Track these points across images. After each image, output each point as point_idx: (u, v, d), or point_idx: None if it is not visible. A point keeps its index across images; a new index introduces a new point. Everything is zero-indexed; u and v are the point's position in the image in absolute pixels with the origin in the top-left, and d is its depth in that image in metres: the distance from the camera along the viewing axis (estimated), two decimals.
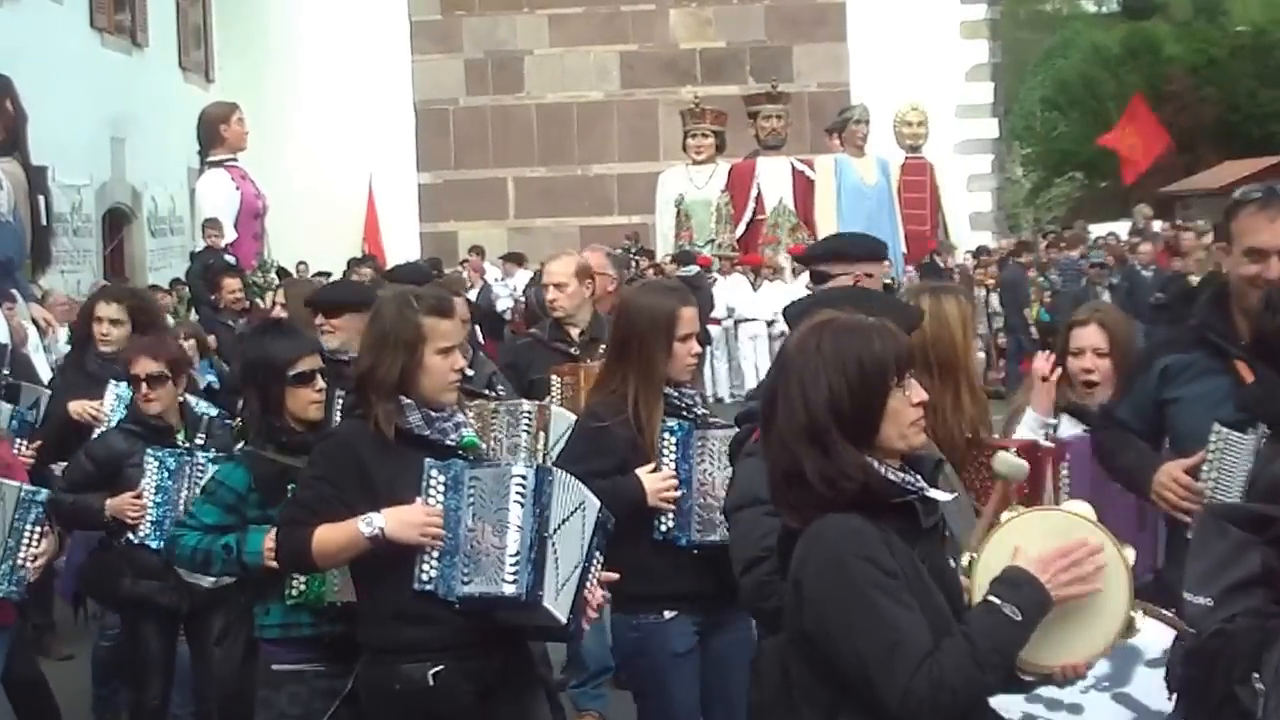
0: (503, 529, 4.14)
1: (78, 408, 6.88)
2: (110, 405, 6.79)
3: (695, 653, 5.03)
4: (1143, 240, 22.15)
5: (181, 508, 5.80)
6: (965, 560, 3.12)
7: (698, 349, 5.11)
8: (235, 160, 15.30)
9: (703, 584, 4.88)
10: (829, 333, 3.08)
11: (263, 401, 4.98)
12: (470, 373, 6.02)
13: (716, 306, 20.32)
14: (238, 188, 15.10)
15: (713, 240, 21.72)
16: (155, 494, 6.02)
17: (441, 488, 4.26)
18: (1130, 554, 3.08)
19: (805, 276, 20.98)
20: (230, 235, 14.96)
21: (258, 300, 14.29)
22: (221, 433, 6.29)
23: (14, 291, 10.62)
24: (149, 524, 6.02)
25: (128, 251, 21.86)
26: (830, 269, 5.03)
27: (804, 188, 22.19)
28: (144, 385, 6.13)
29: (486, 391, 6.46)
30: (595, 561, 4.38)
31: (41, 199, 14.46)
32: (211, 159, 15.28)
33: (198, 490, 5.65)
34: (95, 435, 6.55)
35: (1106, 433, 4.81)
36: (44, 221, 14.49)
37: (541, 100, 27.58)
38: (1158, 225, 26.66)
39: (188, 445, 6.15)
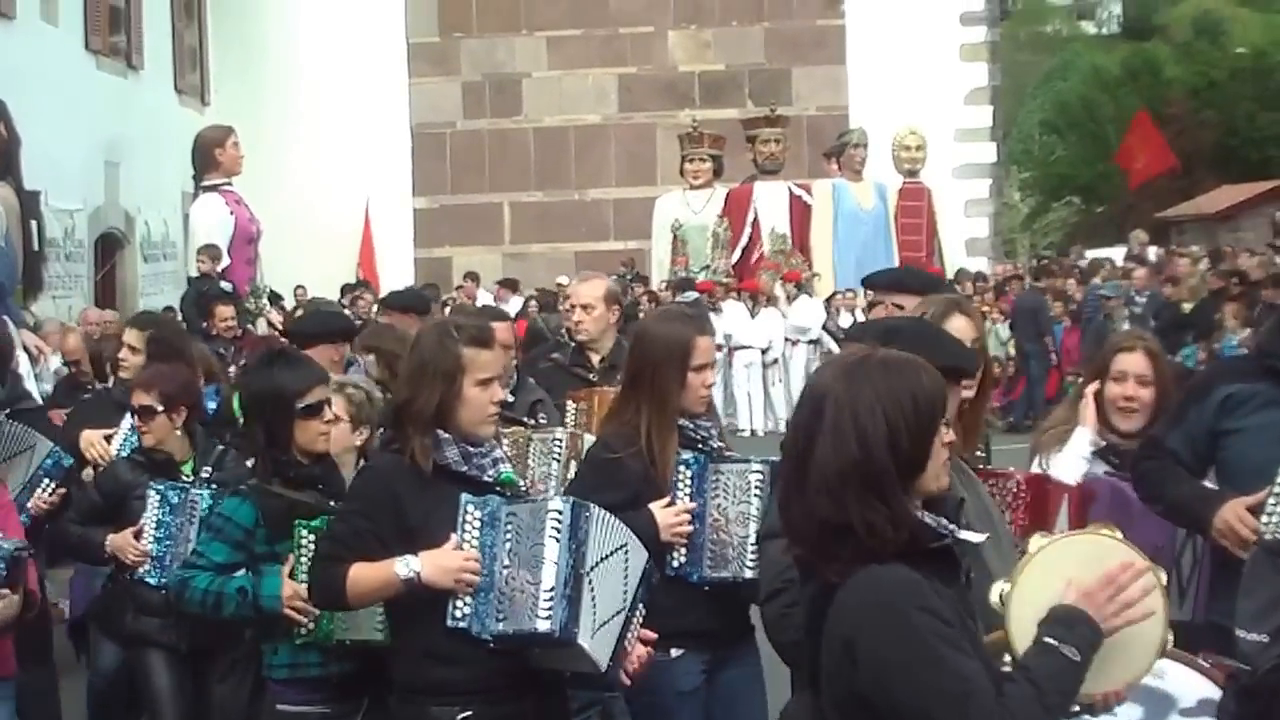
0: (537, 564, 4.06)
1: (87, 438, 6.77)
2: (123, 435, 6.67)
3: (701, 690, 4.91)
4: (1136, 266, 22.07)
5: (185, 543, 5.65)
6: (996, 594, 3.06)
7: (713, 379, 5.02)
8: (230, 185, 15.22)
9: (712, 621, 4.80)
10: (879, 367, 2.93)
11: (269, 434, 4.88)
12: (511, 399, 5.96)
13: (715, 334, 20.18)
14: (232, 212, 15.03)
15: (708, 266, 21.64)
16: (156, 529, 5.85)
17: (478, 524, 4.17)
18: (1162, 574, 3.05)
19: (802, 301, 21.19)
20: (224, 260, 14.88)
21: (250, 326, 14.22)
22: (234, 466, 6.10)
23: (4, 318, 10.51)
24: (150, 560, 5.86)
25: (120, 277, 21.69)
26: (889, 298, 4.90)
27: (801, 213, 22.17)
28: (136, 417, 6.07)
29: (525, 419, 6.29)
30: (638, 612, 4.29)
31: (34, 224, 14.40)
32: (206, 183, 15.19)
33: (194, 526, 5.59)
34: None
35: (1152, 462, 4.67)
36: (36, 247, 14.41)
37: (539, 123, 27.51)
38: (1153, 251, 26.60)
39: (190, 479, 6.00)
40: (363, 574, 4.16)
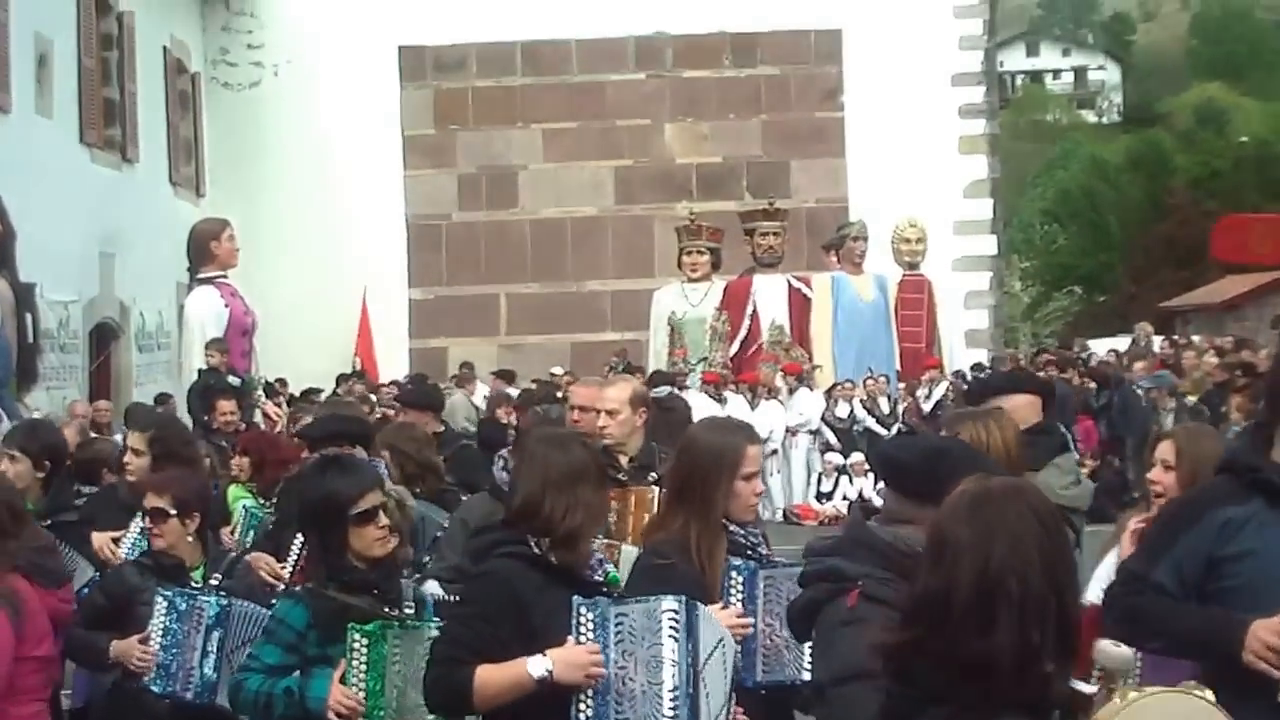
0: (657, 664, 4.14)
1: (97, 541, 6.69)
2: (132, 538, 6.59)
3: None
4: (1138, 358, 21.97)
5: (191, 651, 5.56)
6: None
7: (762, 488, 5.03)
8: (225, 277, 15.11)
9: None
10: (1016, 494, 2.84)
11: (324, 540, 4.90)
12: None
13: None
14: (226, 304, 14.90)
15: (705, 358, 21.50)
16: (162, 636, 5.67)
17: (591, 625, 4.23)
18: None
19: (802, 393, 21.05)
20: None
21: (255, 420, 14.11)
22: (244, 574, 6.08)
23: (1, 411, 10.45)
24: (156, 668, 5.66)
25: (114, 367, 21.63)
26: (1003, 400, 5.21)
27: (800, 305, 22.07)
28: (148, 519, 5.95)
29: None
30: (732, 703, 4.37)
31: (28, 316, 14.34)
32: (201, 275, 15.09)
33: (201, 634, 5.50)
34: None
35: (1140, 598, 4.41)
36: (31, 339, 14.35)
37: (535, 215, 27.47)
38: (1158, 342, 26.54)
39: (199, 586, 5.82)
40: (491, 676, 4.23)
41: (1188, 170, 51.08)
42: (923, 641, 2.83)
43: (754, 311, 21.93)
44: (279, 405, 17.34)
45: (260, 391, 16.42)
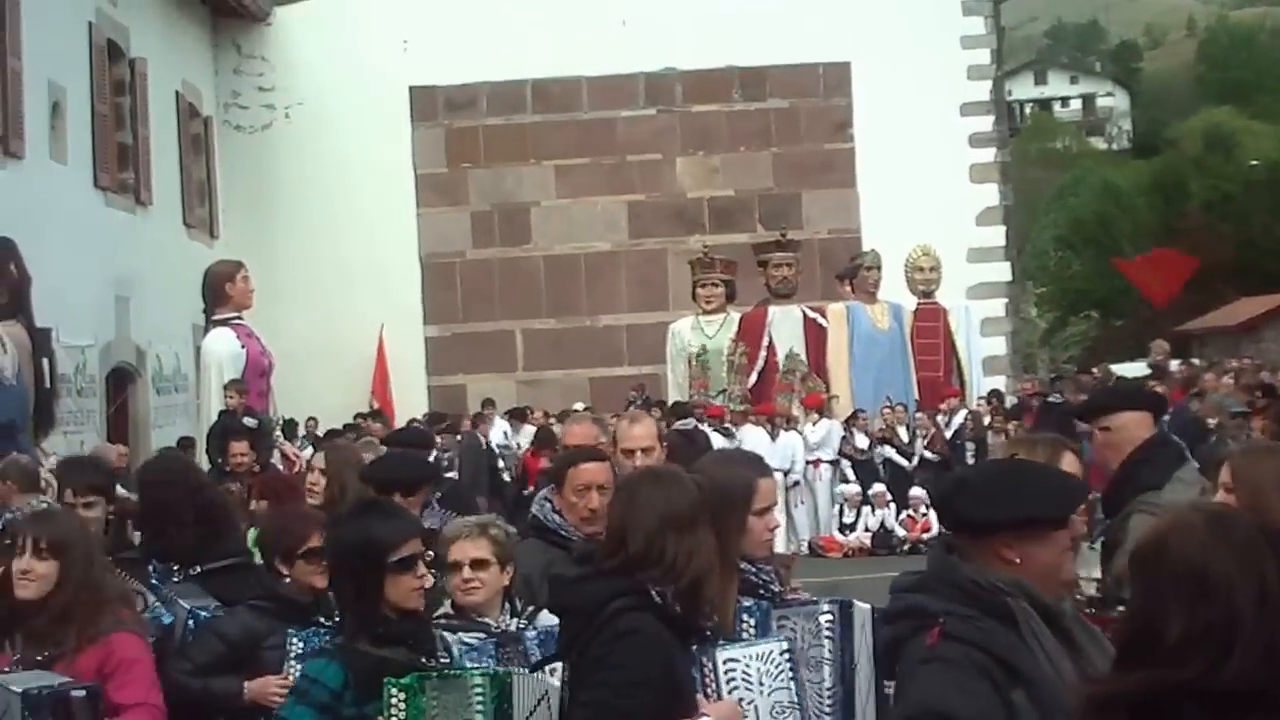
0: (781, 710, 4.12)
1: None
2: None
3: None
4: (1158, 381, 21.84)
5: None
6: None
7: (776, 522, 4.85)
8: (240, 318, 15.15)
9: None
10: (1234, 514, 2.82)
11: (358, 588, 4.57)
12: None
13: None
14: (243, 346, 14.94)
15: (724, 390, 21.48)
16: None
17: (713, 673, 4.15)
18: None
19: (824, 423, 21.01)
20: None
21: (273, 462, 14.12)
22: None
23: (16, 454, 10.41)
24: None
25: (131, 410, 21.64)
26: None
27: (816, 335, 22.08)
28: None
29: None
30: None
31: (45, 361, 14.41)
32: (217, 317, 15.14)
33: None
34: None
35: None
36: (47, 384, 14.42)
37: (549, 251, 27.50)
38: (1175, 364, 26.42)
39: (328, 623, 5.54)
40: None
41: (1199, 195, 51.07)
42: (1194, 681, 2.68)
43: (770, 342, 21.93)
44: (298, 445, 17.39)
45: (279, 432, 16.47)
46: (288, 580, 5.77)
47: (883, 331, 22.23)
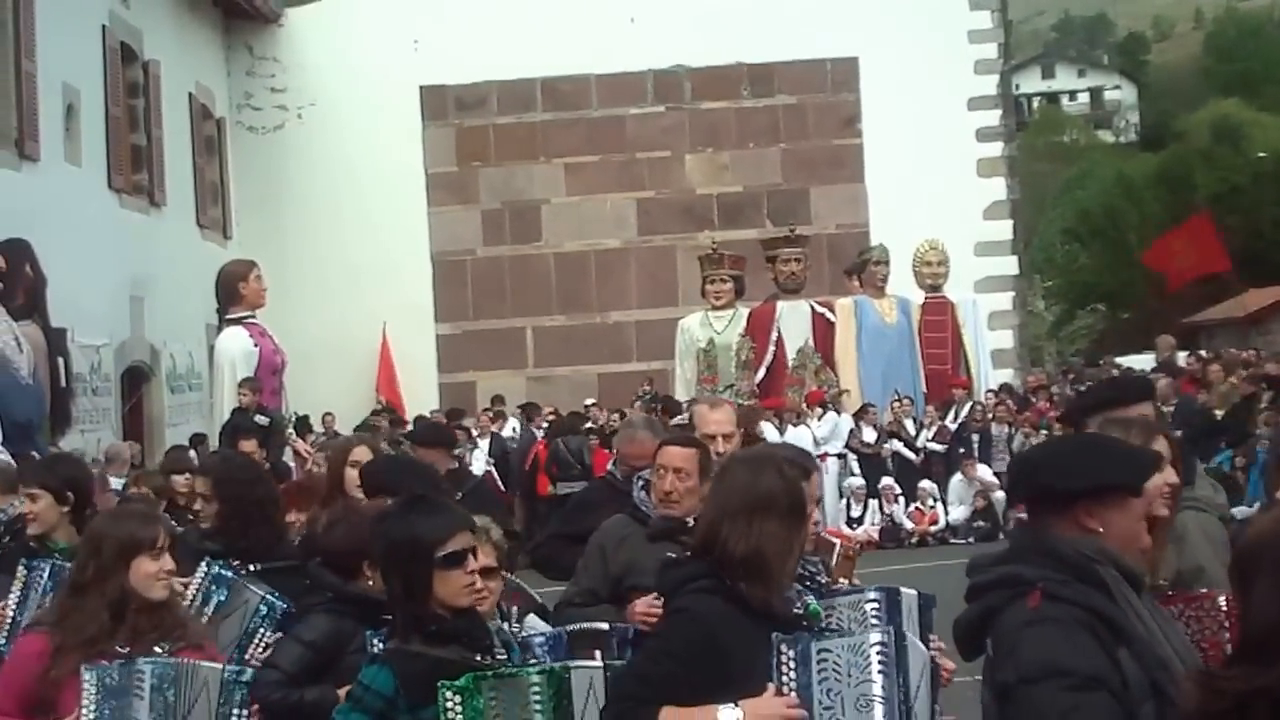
0: (868, 704, 3.86)
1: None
2: (197, 584, 5.97)
3: None
4: (1164, 374, 21.91)
5: None
6: None
7: (818, 517, 4.85)
8: (254, 317, 15.24)
9: None
10: None
11: (407, 586, 4.43)
12: None
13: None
14: (256, 344, 15.01)
15: (732, 385, 21.58)
16: None
17: (792, 664, 3.93)
18: None
19: (831, 417, 21.10)
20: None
21: (285, 460, 14.24)
22: None
23: (34, 454, 10.54)
24: None
25: (146, 409, 21.80)
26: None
27: (824, 330, 22.14)
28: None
29: None
30: None
31: (61, 360, 14.53)
32: (230, 316, 15.23)
33: None
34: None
35: None
36: (63, 383, 14.54)
37: (559, 249, 27.63)
38: (1182, 357, 26.48)
39: None
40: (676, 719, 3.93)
41: (1207, 187, 51.00)
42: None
43: (778, 338, 21.99)
44: (311, 443, 17.49)
45: (291, 430, 16.56)
46: (369, 582, 5.43)
47: (890, 325, 22.29)
